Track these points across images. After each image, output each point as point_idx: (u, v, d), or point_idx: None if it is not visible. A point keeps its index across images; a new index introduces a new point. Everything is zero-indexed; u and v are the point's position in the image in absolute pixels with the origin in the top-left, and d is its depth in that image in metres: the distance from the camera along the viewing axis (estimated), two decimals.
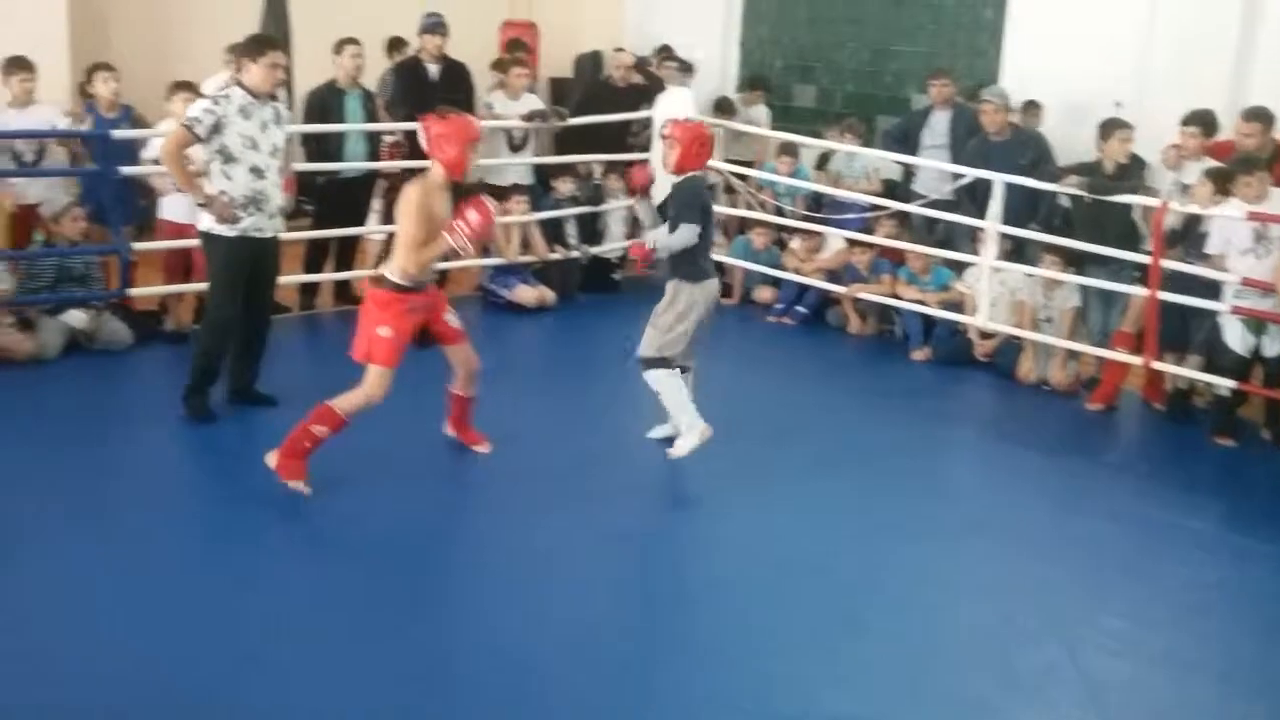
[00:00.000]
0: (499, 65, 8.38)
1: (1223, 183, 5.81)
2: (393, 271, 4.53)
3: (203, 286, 5.82)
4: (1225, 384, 5.86)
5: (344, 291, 7.34)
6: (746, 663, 3.60)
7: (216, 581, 3.90)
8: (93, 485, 4.55)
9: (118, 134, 6.20)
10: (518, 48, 8.39)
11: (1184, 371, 6.13)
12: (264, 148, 5.09)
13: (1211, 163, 6.14)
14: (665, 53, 9.11)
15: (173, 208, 6.20)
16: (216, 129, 4.98)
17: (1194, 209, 5.98)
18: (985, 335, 6.93)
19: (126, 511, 4.35)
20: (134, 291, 6.28)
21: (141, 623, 3.59)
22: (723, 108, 8.64)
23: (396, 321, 4.49)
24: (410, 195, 4.44)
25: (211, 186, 5.05)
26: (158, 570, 3.94)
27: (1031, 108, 7.85)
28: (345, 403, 4.43)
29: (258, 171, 5.08)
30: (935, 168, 7.34)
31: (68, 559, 3.95)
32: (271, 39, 5.29)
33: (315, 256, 7.22)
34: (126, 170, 6.13)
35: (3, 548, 3.99)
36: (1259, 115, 6.11)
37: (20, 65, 6.30)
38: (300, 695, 3.29)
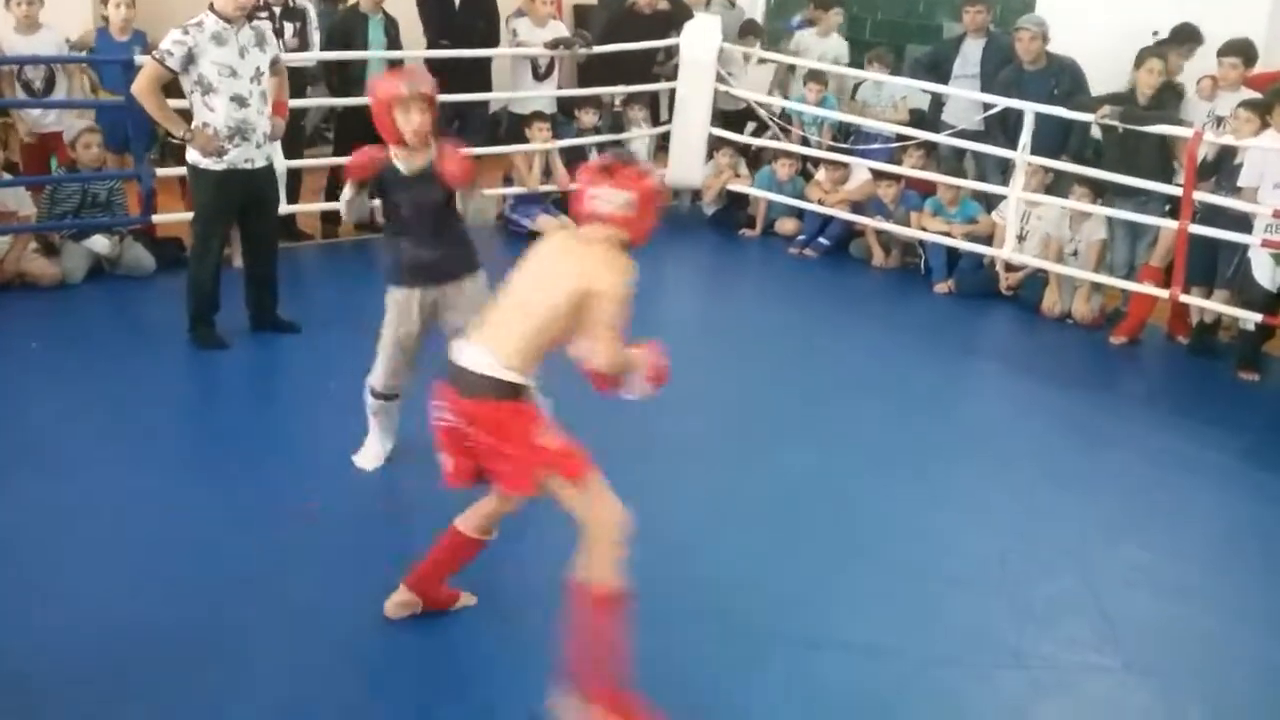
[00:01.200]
0: None
1: (1261, 114, 5.70)
2: (515, 366, 2.89)
3: None
4: (1251, 318, 5.80)
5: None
6: (761, 589, 3.63)
7: (231, 500, 3.95)
8: (116, 408, 4.59)
9: (141, 59, 6.11)
10: None
11: (1211, 305, 6.06)
12: (245, 74, 4.92)
13: (1249, 94, 6.01)
14: None
15: None
16: (190, 59, 4.83)
17: (1228, 140, 5.87)
18: (1011, 268, 6.86)
19: (145, 433, 4.40)
20: (157, 218, 6.28)
21: (159, 540, 3.66)
22: (750, 31, 8.49)
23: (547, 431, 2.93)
24: (621, 276, 2.89)
25: (195, 119, 4.93)
26: (177, 490, 4.00)
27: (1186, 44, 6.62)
28: (597, 568, 2.81)
29: (240, 100, 4.91)
30: (966, 97, 7.21)
31: (92, 479, 4.01)
32: None
33: (336, 184, 7.20)
34: None
35: (28, 469, 4.05)
36: None
37: None
38: (305, 611, 3.35)
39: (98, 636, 3.16)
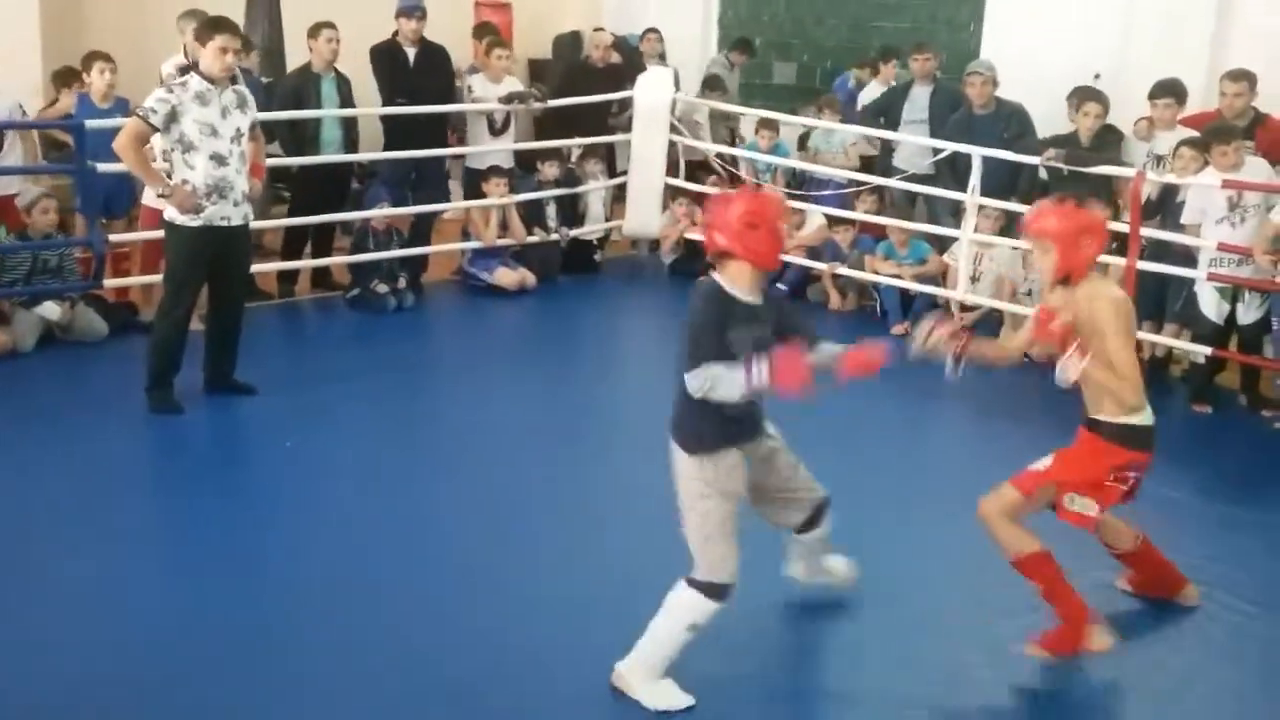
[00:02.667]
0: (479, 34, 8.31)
1: (1201, 152, 5.83)
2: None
3: None
4: (1201, 351, 5.88)
5: (322, 278, 7.31)
6: (735, 639, 3.60)
7: (190, 570, 3.90)
8: (70, 477, 4.52)
9: (92, 124, 6.05)
10: (487, 32, 8.34)
11: (1160, 339, 6.16)
12: (225, 134, 4.98)
13: (1185, 132, 6.15)
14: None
15: (153, 194, 6.08)
16: (173, 118, 4.89)
17: (1170, 179, 5.99)
18: (965, 308, 6.94)
19: (103, 502, 4.33)
20: (109, 283, 6.24)
21: (117, 610, 3.59)
22: (712, 86, 8.61)
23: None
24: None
25: (174, 176, 4.97)
26: (134, 560, 3.94)
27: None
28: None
29: (219, 159, 4.97)
30: (915, 142, 7.34)
31: (46, 546, 3.94)
32: (220, 21, 5.03)
33: (293, 243, 7.19)
34: (103, 167, 5.91)
35: None
36: (1245, 75, 6.13)
37: None
38: (281, 684, 3.29)
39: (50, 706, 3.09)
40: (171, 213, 5.04)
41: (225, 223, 5.07)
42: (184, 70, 5.09)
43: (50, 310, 5.92)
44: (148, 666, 3.31)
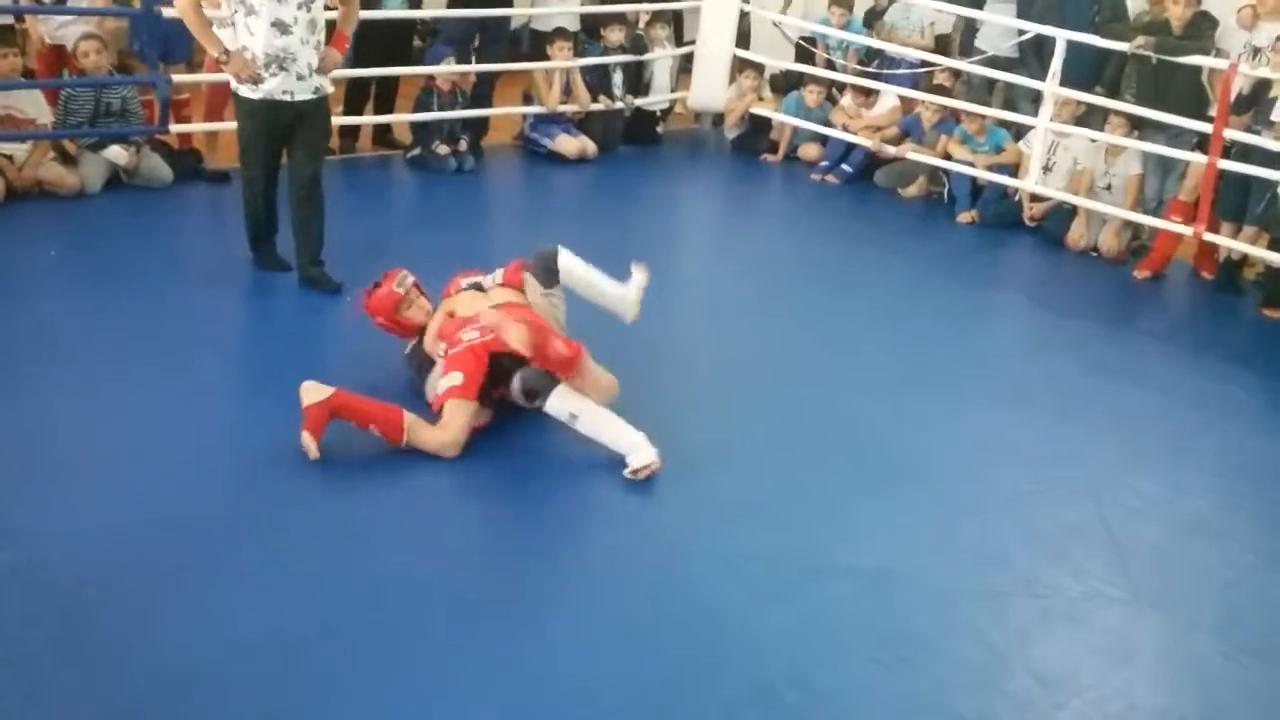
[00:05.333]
0: None
1: None
2: None
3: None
4: (1276, 259, 5.71)
5: (383, 136, 7.26)
6: (769, 512, 3.63)
7: (262, 415, 3.96)
8: (146, 321, 4.54)
9: None
10: None
11: (1234, 244, 5.99)
12: None
13: None
14: None
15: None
16: None
17: (1264, 73, 5.73)
18: (1036, 199, 6.77)
19: (181, 346, 4.36)
20: (174, 128, 6.23)
21: (186, 439, 3.66)
22: None
23: None
24: None
25: (234, 41, 4.66)
26: (212, 402, 4.00)
27: None
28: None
29: (281, 25, 4.53)
30: (1000, 23, 7.05)
31: (113, 383, 4.01)
32: None
33: (354, 99, 7.12)
34: (168, 11, 5.86)
35: (51, 370, 4.05)
36: None
37: None
38: (341, 545, 3.38)
39: (115, 536, 3.17)
40: (233, 81, 4.75)
41: (288, 98, 4.66)
42: None
43: (116, 154, 5.93)
44: (199, 495, 3.40)
